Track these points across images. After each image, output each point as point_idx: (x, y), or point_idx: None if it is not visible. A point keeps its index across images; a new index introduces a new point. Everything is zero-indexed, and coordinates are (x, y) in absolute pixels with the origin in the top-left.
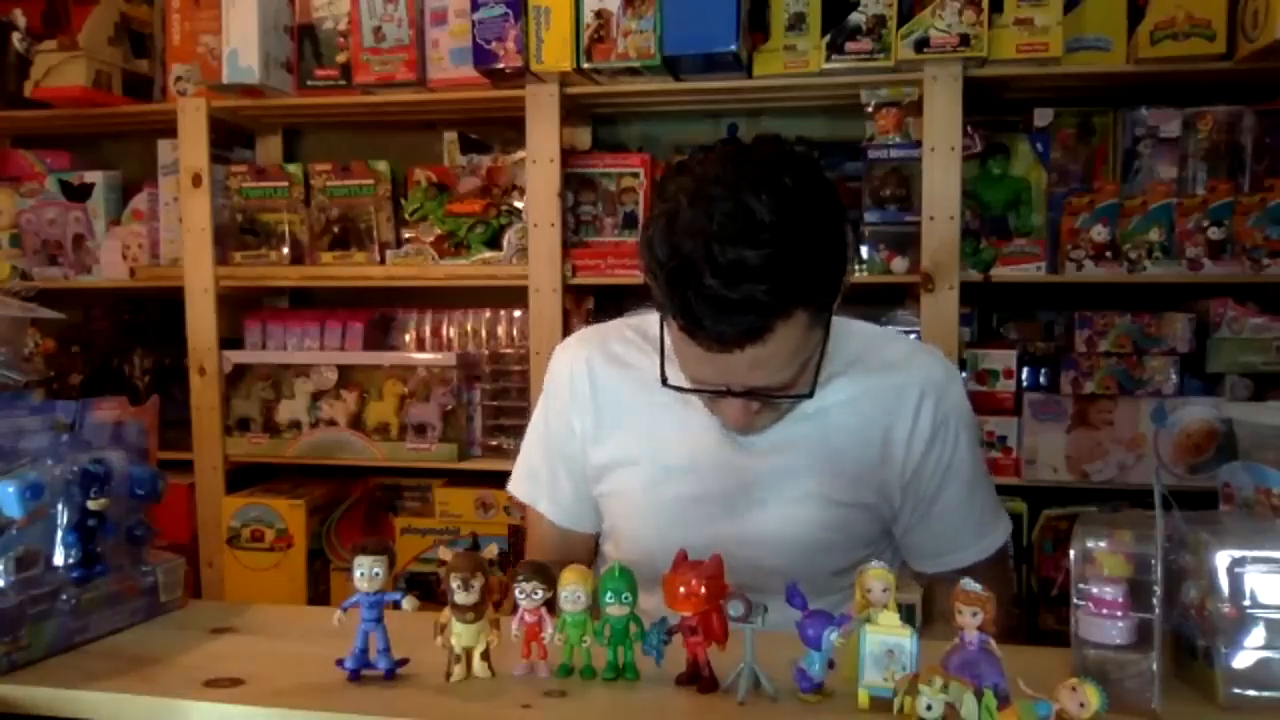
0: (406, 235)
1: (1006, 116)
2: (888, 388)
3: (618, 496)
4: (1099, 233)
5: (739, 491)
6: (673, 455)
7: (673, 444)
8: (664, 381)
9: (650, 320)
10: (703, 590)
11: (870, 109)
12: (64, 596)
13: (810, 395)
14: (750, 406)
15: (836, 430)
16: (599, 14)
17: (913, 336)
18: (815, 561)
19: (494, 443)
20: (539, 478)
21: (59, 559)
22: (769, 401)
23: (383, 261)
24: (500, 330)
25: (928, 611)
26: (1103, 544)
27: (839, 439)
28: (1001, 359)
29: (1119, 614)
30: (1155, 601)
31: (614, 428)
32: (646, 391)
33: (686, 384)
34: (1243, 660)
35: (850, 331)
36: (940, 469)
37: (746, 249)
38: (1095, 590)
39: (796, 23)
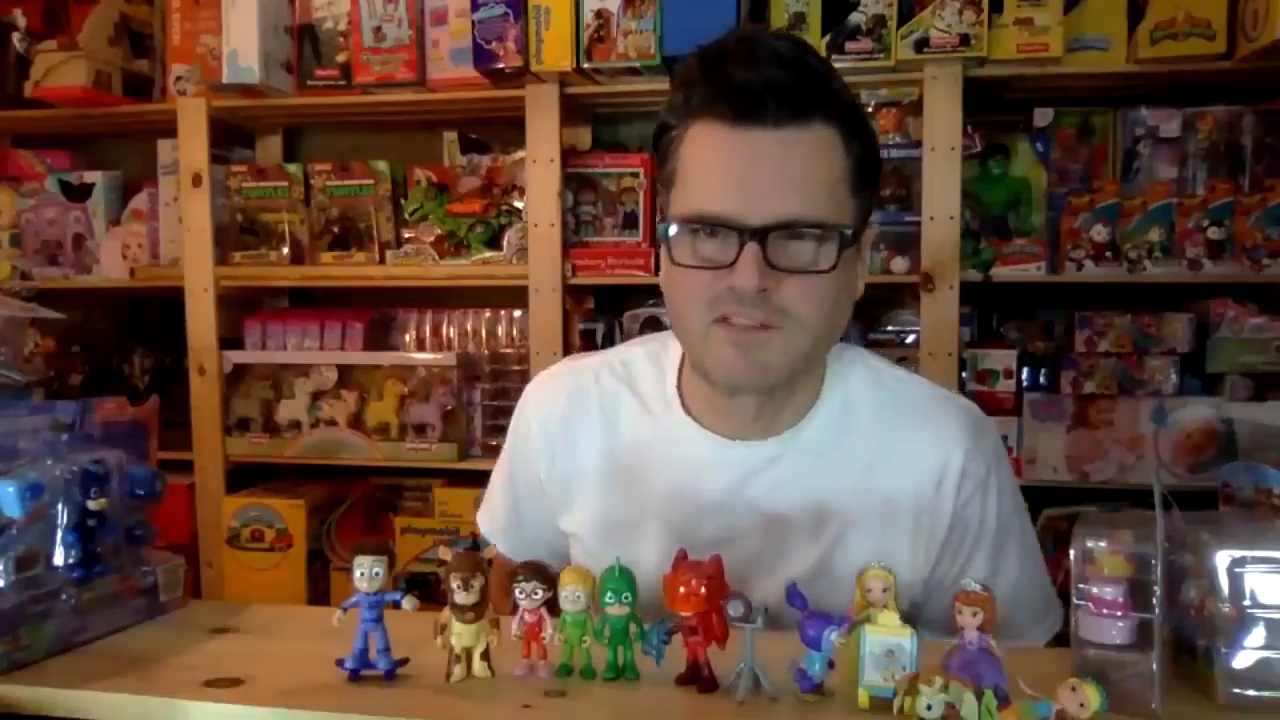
0: (406, 235)
1: (1006, 116)
2: (904, 445)
3: (586, 555)
4: (1099, 233)
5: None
6: (650, 518)
7: (648, 505)
8: (672, 260)
9: (634, 355)
10: (703, 590)
11: (870, 109)
12: (64, 596)
13: (849, 231)
14: (764, 267)
15: (839, 486)
16: (599, 14)
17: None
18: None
19: (494, 443)
20: (500, 515)
21: (59, 559)
22: (786, 267)
23: (383, 261)
24: (500, 330)
25: None
26: (1103, 544)
27: (841, 497)
28: (1001, 359)
29: (1119, 614)
30: (1155, 601)
31: (581, 489)
32: (620, 441)
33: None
34: (1243, 660)
35: (866, 372)
36: (971, 536)
37: (773, 39)
38: (1095, 590)
39: (796, 23)
